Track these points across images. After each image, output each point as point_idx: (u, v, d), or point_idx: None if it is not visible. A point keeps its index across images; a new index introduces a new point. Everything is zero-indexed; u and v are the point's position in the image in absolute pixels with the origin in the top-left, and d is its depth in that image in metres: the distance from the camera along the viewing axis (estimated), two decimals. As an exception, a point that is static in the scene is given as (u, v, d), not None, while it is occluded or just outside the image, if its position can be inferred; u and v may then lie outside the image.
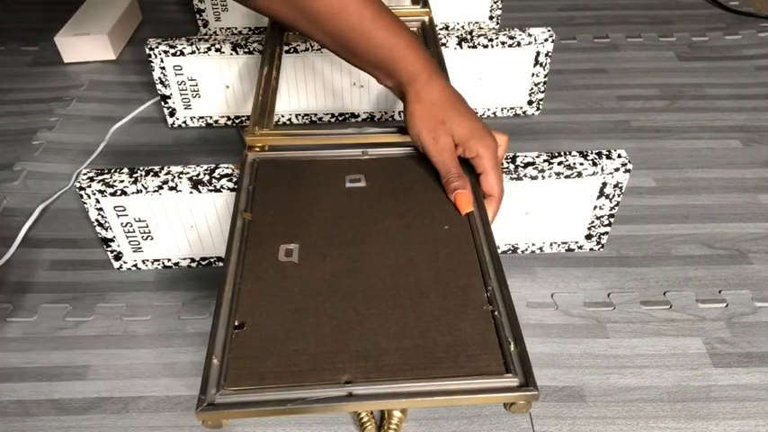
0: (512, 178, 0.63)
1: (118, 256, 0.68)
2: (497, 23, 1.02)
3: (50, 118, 0.92)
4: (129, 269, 0.70)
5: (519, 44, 0.83)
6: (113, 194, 0.62)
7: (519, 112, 0.90)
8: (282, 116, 0.89)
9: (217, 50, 0.82)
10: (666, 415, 0.56)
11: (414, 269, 0.50)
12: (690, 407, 0.56)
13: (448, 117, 0.56)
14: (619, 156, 0.64)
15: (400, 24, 0.57)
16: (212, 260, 0.69)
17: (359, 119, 0.90)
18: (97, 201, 0.63)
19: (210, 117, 0.89)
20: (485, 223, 0.54)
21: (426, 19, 0.83)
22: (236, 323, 0.46)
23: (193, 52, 0.82)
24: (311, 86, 0.86)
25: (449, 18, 1.00)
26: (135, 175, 0.63)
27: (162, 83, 0.84)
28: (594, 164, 0.63)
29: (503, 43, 0.83)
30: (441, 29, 0.96)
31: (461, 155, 0.56)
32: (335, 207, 0.56)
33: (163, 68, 0.83)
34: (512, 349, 0.44)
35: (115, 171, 0.64)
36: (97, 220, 0.65)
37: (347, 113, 0.89)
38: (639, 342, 0.62)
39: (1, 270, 0.70)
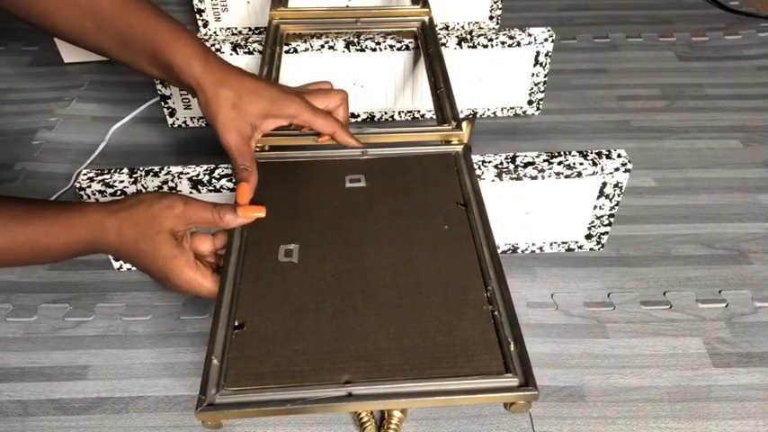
0: (512, 178, 0.63)
1: (118, 256, 0.68)
2: (497, 23, 1.02)
3: (50, 118, 0.92)
4: (129, 269, 0.69)
5: (519, 44, 0.83)
6: (113, 195, 0.62)
7: (519, 112, 0.90)
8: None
9: (217, 51, 0.82)
10: (666, 415, 0.56)
11: (414, 269, 0.50)
12: (690, 407, 0.56)
13: (240, 100, 0.55)
14: (619, 156, 0.64)
15: (169, 16, 0.56)
16: (212, 260, 0.69)
17: (359, 119, 0.90)
18: (97, 201, 0.63)
19: (210, 117, 0.89)
20: (484, 223, 0.54)
21: (426, 19, 0.83)
22: (236, 323, 0.46)
23: (193, 52, 0.82)
24: (311, 86, 0.86)
25: (449, 18, 1.00)
26: (135, 176, 0.63)
27: (162, 83, 0.84)
28: (594, 164, 0.63)
29: (503, 43, 0.83)
30: (441, 29, 0.96)
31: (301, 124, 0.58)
32: (335, 207, 0.56)
33: (163, 68, 0.83)
34: (512, 349, 0.44)
35: (115, 171, 0.64)
36: (97, 220, 0.65)
37: (347, 113, 0.89)
38: (639, 342, 0.62)
39: (1, 270, 0.70)
